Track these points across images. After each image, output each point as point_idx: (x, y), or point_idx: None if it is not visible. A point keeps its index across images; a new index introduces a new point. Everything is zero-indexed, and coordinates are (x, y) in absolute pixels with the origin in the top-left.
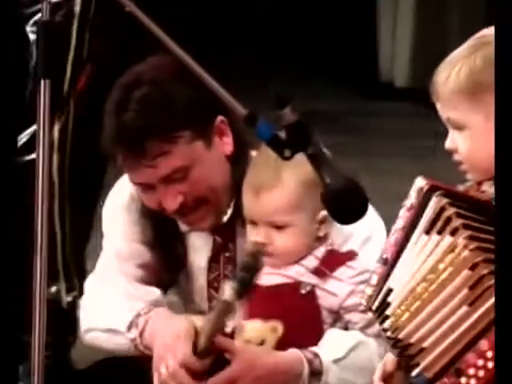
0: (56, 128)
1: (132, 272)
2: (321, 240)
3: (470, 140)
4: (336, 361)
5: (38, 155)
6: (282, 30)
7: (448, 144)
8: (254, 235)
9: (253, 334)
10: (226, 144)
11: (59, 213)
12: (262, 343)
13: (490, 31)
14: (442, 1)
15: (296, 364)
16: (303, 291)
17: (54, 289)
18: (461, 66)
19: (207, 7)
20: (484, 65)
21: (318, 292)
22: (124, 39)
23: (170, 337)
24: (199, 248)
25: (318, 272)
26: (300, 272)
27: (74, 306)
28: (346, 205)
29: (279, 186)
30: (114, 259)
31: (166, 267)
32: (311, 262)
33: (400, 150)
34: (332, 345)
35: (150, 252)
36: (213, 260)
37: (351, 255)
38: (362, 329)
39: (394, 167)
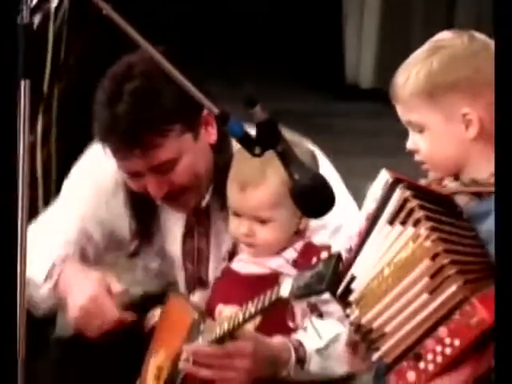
0: (39, 125)
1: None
2: (300, 233)
3: (430, 141)
4: (318, 350)
5: (18, 153)
6: (255, 33)
7: (409, 145)
8: (235, 225)
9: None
10: (211, 134)
11: (44, 208)
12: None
13: (446, 35)
14: (406, 3)
15: (284, 351)
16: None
17: None
18: (419, 69)
19: (181, 8)
20: (441, 67)
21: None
22: (101, 36)
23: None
24: (174, 222)
25: (296, 264)
26: (280, 264)
27: None
28: (314, 199)
29: (264, 183)
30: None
31: (137, 236)
32: (291, 254)
33: (366, 148)
34: (313, 335)
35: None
36: (187, 234)
37: (326, 248)
38: (339, 319)
39: (361, 165)
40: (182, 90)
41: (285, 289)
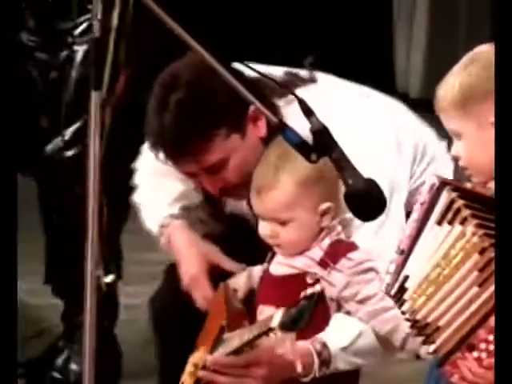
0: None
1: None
2: (325, 231)
3: (467, 148)
4: (343, 349)
5: (90, 158)
6: (307, 42)
7: (453, 151)
8: (261, 228)
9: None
10: (260, 128)
11: None
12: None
13: (485, 47)
14: (453, 15)
15: (307, 357)
16: (310, 281)
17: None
18: (454, 81)
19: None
20: (474, 79)
21: (322, 282)
22: (156, 44)
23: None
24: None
25: (322, 263)
26: (307, 263)
27: (112, 290)
28: (366, 203)
29: (278, 187)
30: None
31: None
32: (317, 253)
33: None
34: (338, 333)
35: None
36: None
37: (352, 246)
38: (360, 319)
39: None
40: (224, 93)
41: (275, 321)
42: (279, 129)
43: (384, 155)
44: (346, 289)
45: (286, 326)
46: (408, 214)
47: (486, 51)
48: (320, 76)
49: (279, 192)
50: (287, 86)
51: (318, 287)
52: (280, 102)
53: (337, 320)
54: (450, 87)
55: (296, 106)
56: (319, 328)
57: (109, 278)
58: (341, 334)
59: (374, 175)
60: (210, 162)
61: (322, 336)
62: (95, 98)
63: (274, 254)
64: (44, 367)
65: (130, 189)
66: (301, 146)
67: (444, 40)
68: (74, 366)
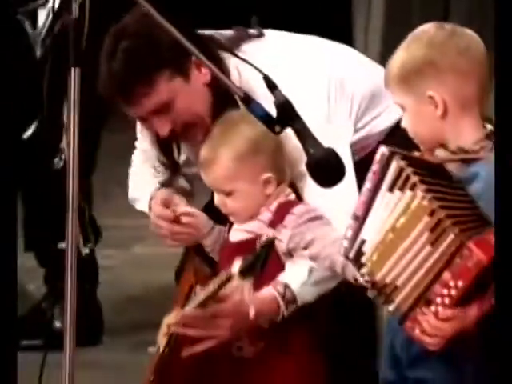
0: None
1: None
2: (273, 196)
3: (409, 120)
4: (303, 284)
5: (68, 133)
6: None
7: (402, 123)
8: (215, 198)
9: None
10: (205, 74)
11: None
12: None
13: (429, 26)
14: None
15: (271, 300)
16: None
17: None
18: (397, 58)
19: None
20: (410, 55)
21: (280, 243)
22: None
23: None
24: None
25: (271, 224)
26: (259, 226)
27: (91, 257)
28: (326, 170)
29: (216, 162)
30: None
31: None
32: (266, 215)
33: None
34: (294, 273)
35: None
36: None
37: (293, 203)
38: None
39: None
40: (168, 42)
41: (234, 268)
42: (245, 101)
43: (320, 100)
44: (291, 240)
45: (244, 271)
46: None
47: (428, 30)
48: (267, 31)
49: (218, 167)
50: (236, 41)
51: (270, 233)
52: (224, 54)
53: (289, 265)
54: (393, 63)
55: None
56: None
57: (87, 248)
58: (296, 273)
59: (308, 117)
60: (154, 104)
61: (282, 279)
62: (75, 74)
63: (231, 223)
64: (28, 326)
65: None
66: (265, 119)
67: (399, 29)
68: (57, 324)
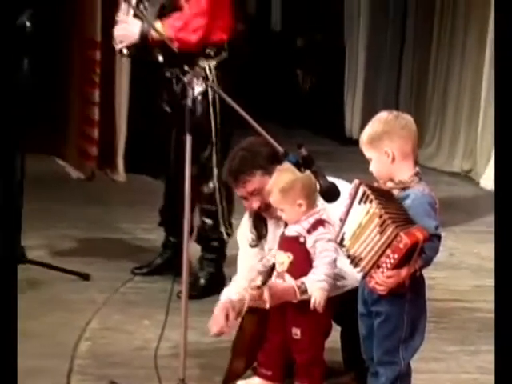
0: None
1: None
2: (306, 213)
3: (374, 166)
4: (314, 282)
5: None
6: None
7: (371, 168)
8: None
9: (279, 257)
10: None
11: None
12: (282, 263)
13: (384, 114)
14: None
15: (291, 289)
16: (301, 240)
17: (216, 233)
18: (366, 131)
19: None
20: (374, 130)
21: (307, 241)
22: None
23: None
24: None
25: (308, 230)
26: (300, 230)
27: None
28: (331, 194)
29: (272, 194)
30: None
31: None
32: (306, 224)
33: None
34: (311, 275)
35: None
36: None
37: (324, 221)
38: (321, 252)
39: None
40: (264, 155)
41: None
42: (284, 155)
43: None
44: (313, 244)
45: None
46: None
47: (383, 115)
48: None
49: (273, 196)
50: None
51: (306, 235)
52: None
53: (314, 269)
54: (364, 134)
55: None
56: (304, 267)
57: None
58: (311, 275)
59: None
60: (251, 189)
61: (303, 280)
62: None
63: (287, 224)
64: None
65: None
66: (296, 164)
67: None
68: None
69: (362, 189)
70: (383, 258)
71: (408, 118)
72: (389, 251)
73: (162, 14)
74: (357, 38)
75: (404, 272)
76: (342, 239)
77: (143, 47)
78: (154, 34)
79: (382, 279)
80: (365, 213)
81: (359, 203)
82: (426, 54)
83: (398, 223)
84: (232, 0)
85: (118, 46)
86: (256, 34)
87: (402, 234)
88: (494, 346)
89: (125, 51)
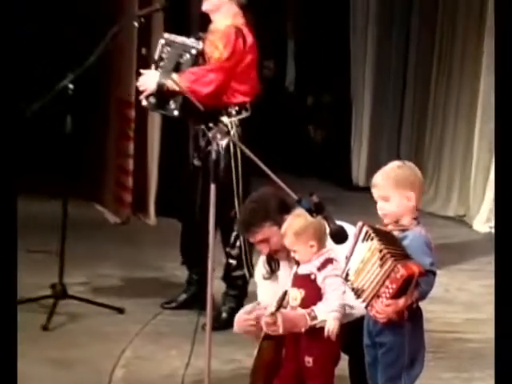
0: None
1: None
2: (320, 252)
3: (392, 206)
4: (323, 311)
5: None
6: None
7: (379, 210)
8: (292, 252)
9: (293, 294)
10: None
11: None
12: (296, 299)
13: (390, 166)
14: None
15: (302, 316)
16: (312, 277)
17: (239, 273)
18: (377, 177)
19: None
20: (399, 174)
21: (317, 277)
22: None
23: None
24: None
25: (318, 268)
26: (311, 268)
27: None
28: (339, 237)
29: (287, 234)
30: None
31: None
32: (316, 263)
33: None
34: (324, 305)
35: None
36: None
37: (332, 260)
38: (330, 286)
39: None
40: (273, 207)
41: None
42: (298, 202)
43: None
44: (323, 280)
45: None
46: None
47: (397, 165)
48: None
49: (287, 238)
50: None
51: (316, 273)
52: None
53: (324, 301)
54: (378, 179)
55: None
56: (315, 301)
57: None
58: (321, 305)
59: None
60: (261, 238)
61: (313, 308)
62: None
63: (299, 263)
64: None
65: None
66: (309, 210)
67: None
68: None
69: (365, 229)
70: (382, 289)
71: (417, 169)
72: (387, 282)
73: (179, 69)
74: (362, 96)
75: (401, 302)
76: (347, 274)
77: (162, 99)
78: (170, 85)
79: (382, 308)
80: (367, 249)
81: (362, 241)
82: (423, 110)
83: (396, 257)
84: (257, 67)
85: (140, 97)
86: (273, 94)
87: (399, 266)
88: (485, 374)
89: (144, 102)
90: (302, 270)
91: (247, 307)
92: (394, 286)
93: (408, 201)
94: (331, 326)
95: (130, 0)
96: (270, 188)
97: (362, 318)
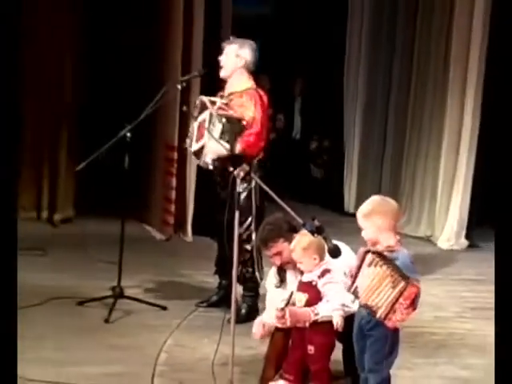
0: None
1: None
2: (318, 264)
3: (367, 233)
4: (324, 309)
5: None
6: None
7: (363, 234)
8: (298, 264)
9: (298, 297)
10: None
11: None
12: (301, 301)
13: (376, 197)
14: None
15: (307, 312)
16: (314, 283)
17: (252, 277)
18: (361, 208)
19: None
20: (372, 207)
21: (318, 283)
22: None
23: None
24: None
25: (319, 276)
26: (313, 277)
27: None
28: (335, 253)
29: (296, 249)
30: None
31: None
32: (317, 272)
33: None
34: (326, 305)
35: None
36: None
37: (330, 270)
38: (330, 290)
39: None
40: (285, 227)
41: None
42: (303, 225)
43: None
44: (323, 285)
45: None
46: None
47: (375, 200)
48: None
49: (295, 253)
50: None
51: (317, 280)
52: None
53: (324, 302)
54: (360, 210)
55: None
56: (317, 302)
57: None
58: (322, 304)
59: None
60: (275, 251)
61: (315, 306)
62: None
63: (303, 273)
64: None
65: None
66: (311, 231)
67: (368, 185)
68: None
69: (370, 256)
70: (397, 305)
71: (392, 201)
72: (401, 299)
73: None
74: (352, 143)
75: (411, 310)
76: (356, 291)
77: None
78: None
79: (401, 317)
80: (376, 274)
81: (369, 266)
82: (400, 154)
83: (404, 279)
84: (268, 126)
85: (204, 158)
86: (283, 141)
87: (410, 286)
88: (447, 360)
89: (206, 162)
90: (306, 277)
91: (257, 320)
92: (408, 302)
93: (379, 228)
94: (338, 321)
95: (175, 68)
96: (280, 214)
97: (352, 315)
